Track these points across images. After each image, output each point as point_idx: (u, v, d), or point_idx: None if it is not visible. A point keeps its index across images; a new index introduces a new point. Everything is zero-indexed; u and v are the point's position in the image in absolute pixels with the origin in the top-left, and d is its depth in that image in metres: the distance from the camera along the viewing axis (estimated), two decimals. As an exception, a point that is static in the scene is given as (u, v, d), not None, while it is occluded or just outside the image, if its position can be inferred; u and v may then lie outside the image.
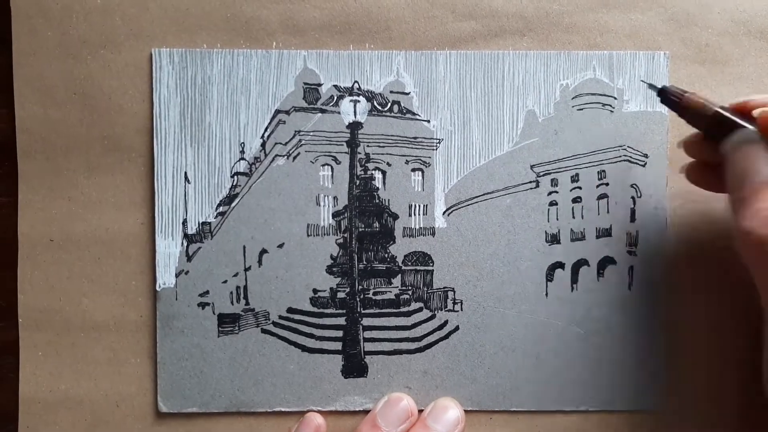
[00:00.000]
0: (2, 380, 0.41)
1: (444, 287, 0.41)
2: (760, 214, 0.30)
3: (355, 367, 0.41)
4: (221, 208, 0.40)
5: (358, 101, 0.40)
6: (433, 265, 0.41)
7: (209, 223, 0.40)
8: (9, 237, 0.41)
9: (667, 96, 0.36)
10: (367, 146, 0.40)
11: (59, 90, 0.40)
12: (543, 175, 0.40)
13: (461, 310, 0.41)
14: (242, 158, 0.40)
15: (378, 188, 0.41)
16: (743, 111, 0.34)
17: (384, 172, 0.41)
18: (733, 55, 0.40)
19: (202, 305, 0.40)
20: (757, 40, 0.40)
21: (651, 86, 0.37)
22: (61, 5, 0.40)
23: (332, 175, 0.41)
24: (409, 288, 0.41)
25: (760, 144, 0.32)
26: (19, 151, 0.40)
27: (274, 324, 0.40)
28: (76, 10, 0.40)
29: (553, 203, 0.40)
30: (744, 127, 0.33)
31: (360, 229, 0.41)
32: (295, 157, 0.40)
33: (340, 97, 0.40)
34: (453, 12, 0.40)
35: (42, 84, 0.40)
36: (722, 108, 0.34)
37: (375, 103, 0.40)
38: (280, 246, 0.40)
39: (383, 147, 0.41)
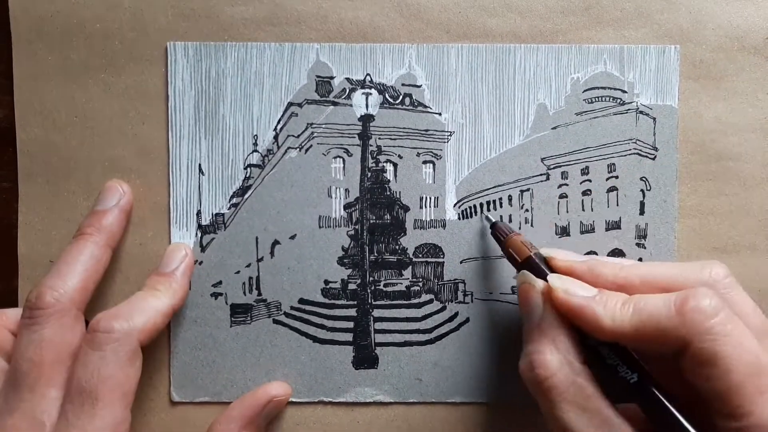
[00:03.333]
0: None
1: (454, 279, 0.41)
2: (527, 358, 0.33)
3: (365, 359, 0.41)
4: (234, 199, 0.41)
5: (370, 94, 0.41)
6: (443, 257, 0.41)
7: (223, 215, 0.41)
8: (10, 222, 0.41)
9: (494, 231, 0.38)
10: (379, 139, 0.41)
11: (60, 113, 0.40)
12: (553, 168, 0.41)
13: (471, 302, 0.41)
14: (255, 150, 0.41)
15: (389, 180, 0.41)
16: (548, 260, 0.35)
17: (395, 165, 0.41)
18: (727, 70, 0.40)
19: (215, 295, 0.41)
20: (751, 56, 0.40)
21: (486, 218, 0.40)
22: (62, 30, 0.40)
23: (344, 167, 0.41)
24: (420, 280, 0.41)
25: (535, 288, 0.34)
26: (20, 173, 0.41)
27: (286, 315, 0.41)
28: (77, 35, 0.40)
29: (563, 196, 0.41)
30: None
31: (371, 221, 0.41)
32: (307, 150, 0.41)
33: (352, 90, 0.41)
34: (447, 32, 0.41)
35: (43, 107, 0.40)
36: (536, 255, 0.35)
37: (387, 96, 0.41)
38: (293, 237, 0.41)
39: (395, 139, 0.41)
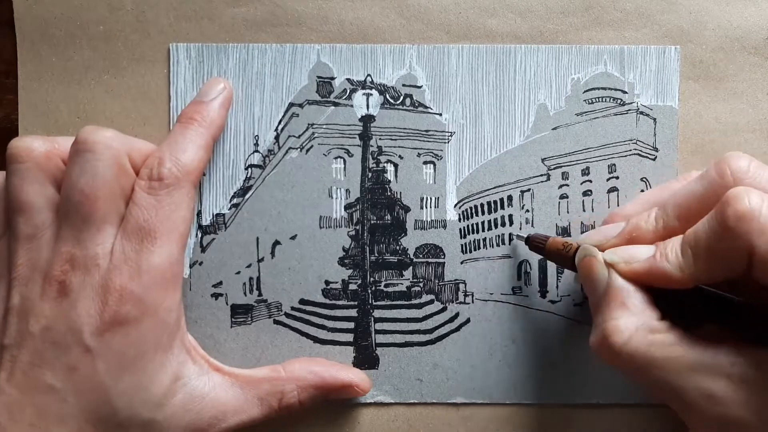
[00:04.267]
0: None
1: (455, 279, 0.41)
2: (597, 329, 0.32)
3: (366, 359, 0.41)
4: (235, 199, 0.41)
5: (371, 94, 0.41)
6: (444, 258, 0.41)
7: (223, 215, 0.41)
8: None
9: (532, 243, 0.38)
10: (380, 139, 0.41)
11: (63, 114, 0.41)
12: (554, 169, 0.41)
13: (472, 302, 0.41)
14: (256, 151, 0.41)
15: (390, 181, 0.41)
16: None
17: (396, 165, 0.41)
18: (727, 71, 0.40)
19: (216, 296, 0.41)
20: (751, 56, 0.40)
21: (518, 236, 0.40)
22: (65, 32, 0.41)
23: (345, 167, 0.41)
24: (421, 280, 0.41)
25: (596, 258, 0.34)
26: None
27: (287, 315, 0.41)
28: (80, 37, 0.41)
29: (563, 196, 0.41)
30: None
31: (372, 222, 0.41)
32: (308, 150, 0.41)
33: (353, 91, 0.41)
34: (447, 33, 0.41)
35: (47, 108, 0.41)
36: (581, 245, 0.35)
37: (387, 97, 0.41)
38: (293, 238, 0.41)
39: (395, 140, 0.41)
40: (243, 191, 0.41)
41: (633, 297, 0.32)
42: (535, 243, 0.38)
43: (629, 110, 0.40)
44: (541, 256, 0.39)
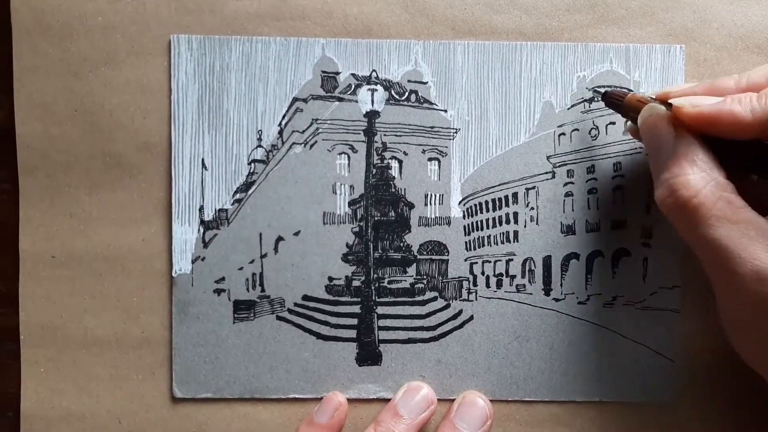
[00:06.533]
0: (2, 367, 0.41)
1: (459, 276, 0.41)
2: (665, 184, 0.32)
3: (369, 355, 0.41)
4: (238, 195, 0.40)
5: (376, 90, 0.40)
6: (448, 255, 0.41)
7: (226, 210, 0.40)
8: (10, 223, 0.41)
9: (609, 98, 0.37)
10: (384, 135, 0.41)
11: (60, 107, 0.40)
12: (559, 166, 0.41)
13: (476, 299, 0.41)
14: (259, 146, 0.40)
15: (394, 177, 0.41)
16: (665, 98, 0.35)
17: (401, 161, 0.41)
18: (731, 70, 0.40)
19: (218, 291, 0.40)
20: (755, 55, 0.41)
21: (596, 91, 0.39)
22: (62, 23, 0.40)
23: (349, 163, 0.41)
24: (424, 277, 0.41)
25: (665, 118, 0.33)
26: (20, 167, 0.40)
27: (290, 311, 0.41)
28: (77, 28, 0.40)
29: (568, 194, 0.41)
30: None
31: (376, 218, 0.41)
32: (312, 146, 0.41)
33: (358, 86, 0.40)
34: (453, 29, 0.40)
35: (43, 101, 0.40)
36: (652, 99, 0.35)
37: (392, 92, 0.40)
38: (297, 234, 0.40)
39: (400, 136, 0.41)
40: (246, 186, 0.40)
41: (702, 154, 0.32)
42: (612, 99, 0.37)
43: (634, 109, 0.40)
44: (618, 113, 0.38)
